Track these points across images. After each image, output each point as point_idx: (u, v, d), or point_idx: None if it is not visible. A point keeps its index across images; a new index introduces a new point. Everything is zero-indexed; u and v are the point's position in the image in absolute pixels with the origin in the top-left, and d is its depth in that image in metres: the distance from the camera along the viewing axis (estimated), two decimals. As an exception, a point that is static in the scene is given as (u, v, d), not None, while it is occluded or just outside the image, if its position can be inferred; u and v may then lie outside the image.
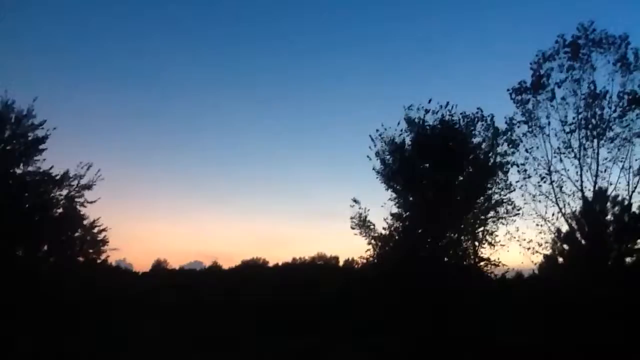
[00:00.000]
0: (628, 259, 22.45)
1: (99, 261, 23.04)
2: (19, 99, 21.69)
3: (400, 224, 23.30)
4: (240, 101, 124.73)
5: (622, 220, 22.07)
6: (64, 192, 22.16)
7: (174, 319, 26.53)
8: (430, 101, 22.93)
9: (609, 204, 22.22)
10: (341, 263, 60.81)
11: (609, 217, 22.36)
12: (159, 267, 65.15)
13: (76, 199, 22.31)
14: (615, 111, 21.85)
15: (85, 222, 22.51)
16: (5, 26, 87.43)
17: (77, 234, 22.54)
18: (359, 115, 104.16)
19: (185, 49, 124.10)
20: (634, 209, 21.87)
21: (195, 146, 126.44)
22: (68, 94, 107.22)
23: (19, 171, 21.66)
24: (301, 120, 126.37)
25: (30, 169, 21.74)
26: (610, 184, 22.00)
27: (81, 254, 22.62)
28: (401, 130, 23.08)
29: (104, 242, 22.80)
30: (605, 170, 21.98)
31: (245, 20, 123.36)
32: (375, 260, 23.51)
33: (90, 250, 22.67)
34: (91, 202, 22.58)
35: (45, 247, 22.14)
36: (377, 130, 23.25)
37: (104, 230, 22.75)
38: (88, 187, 22.35)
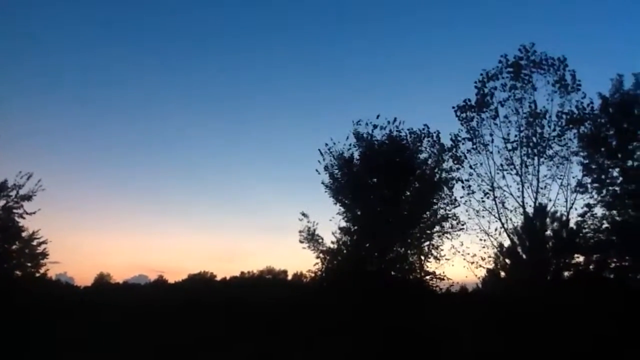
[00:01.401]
0: (566, 273, 23.22)
1: (37, 275, 22.18)
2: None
3: (348, 238, 23.50)
4: (189, 113, 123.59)
5: (560, 235, 22.84)
6: (2, 202, 21.32)
7: (118, 333, 25.73)
8: (378, 117, 23.40)
9: (548, 219, 22.97)
10: (290, 277, 60.71)
11: (548, 232, 23.11)
12: (102, 281, 63.32)
13: (14, 210, 21.48)
14: (554, 130, 22.72)
15: (23, 234, 21.68)
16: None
17: (14, 247, 21.67)
18: (309, 129, 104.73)
19: (136, 55, 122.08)
20: (572, 224, 22.71)
21: (141, 157, 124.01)
22: (8, 101, 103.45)
23: (-48, 181, 20.78)
24: (250, 133, 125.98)
25: (-35, 178, 20.89)
26: (550, 200, 22.81)
27: (18, 268, 21.75)
28: (350, 144, 23.45)
29: (44, 255, 22.03)
30: (545, 187, 22.77)
31: (193, 33, 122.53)
32: (324, 274, 23.56)
33: (29, 264, 21.82)
34: (30, 214, 21.77)
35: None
36: (326, 145, 23.54)
37: (43, 242, 22.05)
38: (27, 197, 21.57)
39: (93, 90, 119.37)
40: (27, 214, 21.65)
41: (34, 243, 21.88)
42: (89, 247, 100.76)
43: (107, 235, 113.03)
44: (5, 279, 21.39)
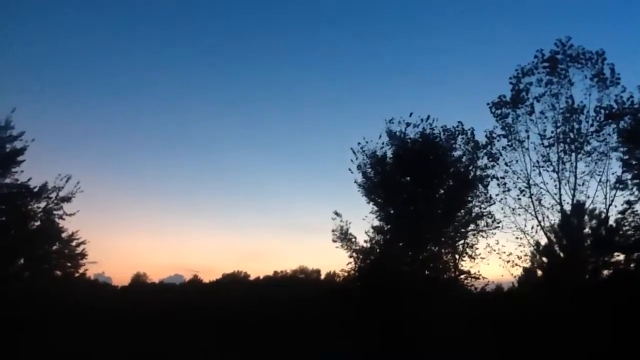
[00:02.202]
0: (605, 272, 22.72)
1: (76, 275, 22.61)
2: (-3, 110, 21.36)
3: (382, 237, 23.40)
4: (221, 115, 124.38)
5: (599, 233, 22.33)
6: (42, 204, 21.71)
7: (152, 332, 26.18)
8: (411, 115, 23.22)
9: (586, 217, 22.49)
10: (323, 276, 60.81)
11: (586, 230, 22.63)
12: (139, 281, 64.39)
13: (54, 212, 21.85)
14: (592, 125, 22.22)
15: (63, 235, 22.04)
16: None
17: (54, 248, 22.10)
18: (341, 128, 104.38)
19: (166, 61, 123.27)
20: (611, 222, 22.17)
21: (177, 160, 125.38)
22: (47, 106, 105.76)
23: (-5, 183, 21.28)
24: (283, 133, 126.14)
25: (7, 181, 21.32)
26: (588, 198, 22.32)
27: (58, 268, 22.20)
28: (382, 143, 23.34)
29: (83, 255, 22.34)
30: (583, 184, 22.30)
31: (227, 36, 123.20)
32: (357, 274, 23.53)
33: (68, 264, 22.24)
34: (70, 215, 22.10)
35: (22, 261, 21.72)
36: (359, 144, 23.46)
37: (82, 243, 22.28)
38: (67, 199, 21.90)
39: (128, 93, 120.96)
40: (66, 215, 21.99)
41: (73, 244, 22.19)
42: (126, 247, 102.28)
43: (144, 235, 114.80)
44: (46, 278, 21.90)
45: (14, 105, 21.63)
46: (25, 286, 21.06)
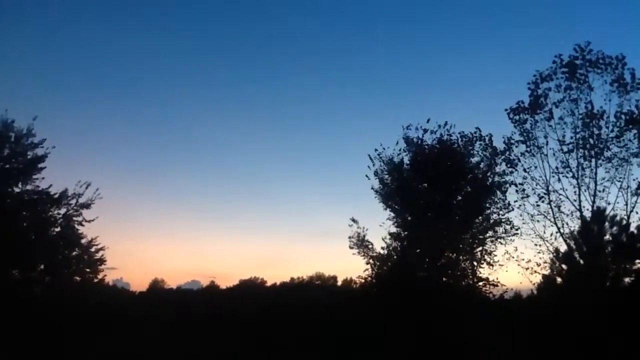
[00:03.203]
0: (626, 279, 22.37)
1: (95, 280, 22.79)
2: (19, 118, 21.67)
3: (399, 244, 23.33)
4: (240, 120, 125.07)
5: (620, 240, 22.00)
6: (62, 210, 21.94)
7: (171, 338, 26.31)
8: (428, 121, 23.19)
9: (607, 223, 22.10)
10: (339, 283, 60.68)
11: (607, 237, 22.28)
12: (156, 287, 64.79)
13: (74, 218, 22.09)
14: (612, 131, 21.99)
15: (82, 241, 22.23)
16: (6, 45, 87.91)
17: (74, 253, 22.30)
18: (358, 134, 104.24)
19: (187, 69, 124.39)
20: (632, 228, 21.82)
21: (193, 165, 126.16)
22: (68, 113, 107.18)
23: (17, 190, 21.56)
24: (300, 139, 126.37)
25: (28, 187, 21.59)
26: (609, 204, 22.08)
27: (78, 274, 22.41)
28: (400, 149, 23.30)
29: (101, 261, 22.51)
30: (603, 190, 22.10)
31: (248, 41, 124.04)
32: (374, 280, 23.46)
33: (87, 270, 22.42)
34: (89, 221, 22.33)
35: (42, 267, 21.96)
36: (376, 150, 23.45)
37: (101, 249, 22.45)
38: (86, 205, 22.13)
39: (147, 100, 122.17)
40: (86, 221, 22.23)
41: (93, 249, 22.36)
42: (144, 253, 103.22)
43: (162, 241, 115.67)
44: (66, 284, 22.11)
45: (34, 113, 21.95)
46: (54, 290, 21.30)
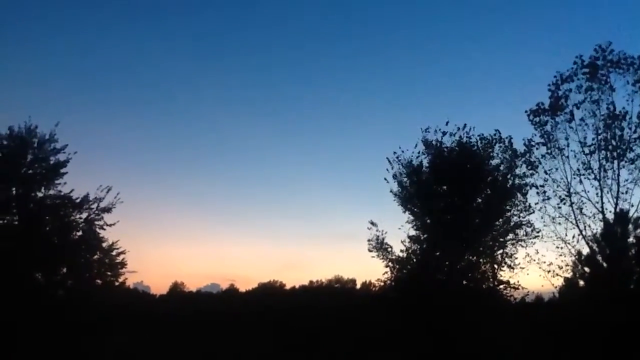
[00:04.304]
0: (651, 282, 22.07)
1: (116, 284, 23.07)
2: (42, 124, 22.10)
3: (418, 247, 23.17)
4: (259, 125, 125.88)
5: (643, 242, 21.73)
6: (84, 215, 22.38)
7: (190, 340, 26.49)
8: (447, 123, 22.97)
9: (630, 226, 21.90)
10: (358, 286, 60.53)
11: (630, 239, 22.04)
12: (177, 290, 65.17)
13: (95, 222, 22.50)
14: (635, 132, 21.61)
15: (104, 245, 22.60)
16: (28, 53, 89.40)
17: (95, 257, 22.65)
18: (377, 137, 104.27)
19: (207, 75, 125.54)
20: (656, 231, 21.53)
21: (214, 170, 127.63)
22: (90, 118, 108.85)
23: (39, 195, 21.97)
24: (319, 142, 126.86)
25: (51, 192, 22.10)
26: (632, 206, 21.71)
27: (99, 277, 22.70)
28: (418, 152, 23.09)
29: (122, 264, 22.86)
30: (626, 192, 21.70)
31: (262, 47, 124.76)
32: (393, 283, 23.36)
33: (109, 273, 22.73)
34: (110, 225, 22.74)
35: (64, 270, 22.29)
36: (395, 153, 23.25)
37: (122, 253, 22.84)
38: (107, 210, 22.52)
39: (167, 105, 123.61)
40: (107, 225, 22.62)
41: (114, 253, 22.71)
42: (164, 256, 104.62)
43: (182, 245, 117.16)
44: (88, 287, 22.41)
45: (56, 119, 22.32)
46: (76, 292, 21.60)
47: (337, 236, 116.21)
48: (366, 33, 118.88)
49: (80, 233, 22.44)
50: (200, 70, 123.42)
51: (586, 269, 22.69)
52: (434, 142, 22.90)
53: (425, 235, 23.12)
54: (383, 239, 23.31)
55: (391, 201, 23.45)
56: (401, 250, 23.13)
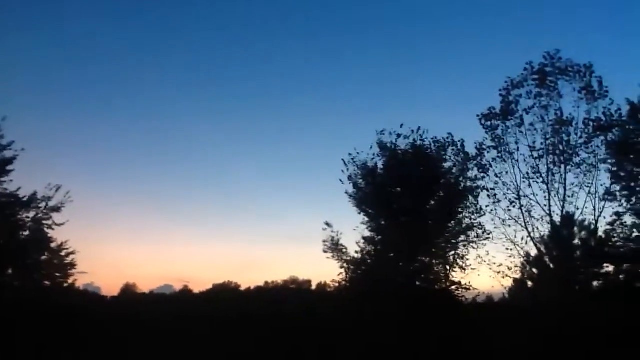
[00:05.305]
0: (595, 283, 22.82)
1: (65, 285, 22.45)
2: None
3: (373, 248, 23.40)
4: (212, 124, 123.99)
5: (588, 244, 22.46)
6: (32, 214, 21.62)
7: (143, 342, 25.94)
8: (402, 126, 23.30)
9: (576, 228, 22.63)
10: (314, 287, 60.55)
11: (576, 241, 22.76)
12: (128, 291, 63.88)
13: (44, 222, 21.77)
14: (581, 137, 22.50)
15: (52, 245, 21.91)
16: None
17: (44, 257, 21.98)
18: (332, 138, 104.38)
19: (160, 72, 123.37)
20: (600, 233, 22.30)
21: (165, 168, 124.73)
22: (37, 115, 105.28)
23: (-17, 193, 21.20)
24: (273, 142, 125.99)
25: (-5, 190, 21.28)
26: (578, 209, 22.49)
27: (48, 278, 22.06)
28: (373, 154, 23.35)
29: (72, 265, 22.22)
30: (572, 195, 22.52)
31: (220, 41, 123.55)
32: (348, 284, 23.50)
33: (58, 274, 22.10)
34: (59, 225, 22.04)
35: (10, 271, 21.59)
36: (350, 154, 23.48)
37: (72, 253, 22.14)
38: (56, 209, 21.81)
39: (119, 103, 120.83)
40: (56, 225, 21.93)
41: (63, 254, 22.03)
42: (115, 257, 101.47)
43: (133, 245, 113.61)
44: (35, 288, 21.76)
45: (3, 114, 21.55)
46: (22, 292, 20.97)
47: (292, 237, 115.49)
48: (321, 32, 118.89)
49: (27, 233, 21.74)
50: (152, 66, 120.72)
51: (534, 269, 23.33)
52: (388, 145, 23.21)
53: (379, 237, 23.36)
54: (338, 240, 23.49)
55: (346, 202, 23.66)
56: (356, 251, 23.38)
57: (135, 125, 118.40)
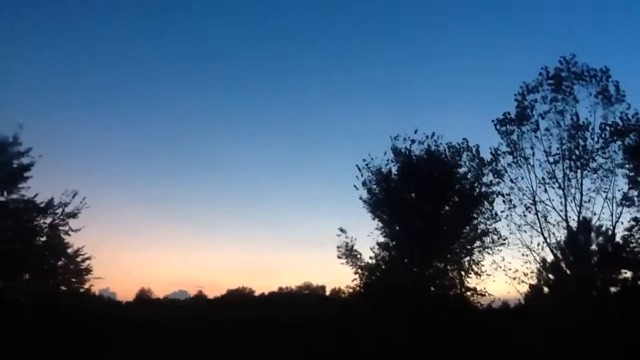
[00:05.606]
0: (612, 289, 22.57)
1: (81, 290, 22.55)
2: (5, 126, 21.50)
3: (387, 254, 23.33)
4: (227, 131, 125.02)
5: (606, 250, 22.23)
6: (48, 220, 21.67)
7: (158, 348, 26.06)
8: (416, 131, 23.32)
9: (593, 234, 22.43)
10: (328, 292, 60.62)
11: (593, 247, 22.55)
12: (143, 297, 64.30)
13: (60, 227, 21.79)
14: (597, 142, 22.30)
15: (69, 251, 21.95)
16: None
17: (60, 263, 22.06)
18: (347, 144, 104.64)
19: (178, 79, 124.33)
20: (618, 238, 22.10)
21: (181, 175, 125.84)
22: (55, 122, 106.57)
23: (2, 199, 21.32)
24: (288, 149, 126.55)
25: (14, 197, 21.34)
26: (594, 214, 22.29)
27: (64, 283, 22.17)
28: (388, 160, 23.36)
29: (88, 270, 22.25)
30: (589, 201, 22.30)
31: (232, 59, 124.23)
32: (362, 290, 23.44)
33: (73, 279, 22.19)
34: (75, 231, 22.06)
35: (27, 276, 21.72)
36: (364, 160, 23.50)
37: (87, 259, 22.13)
38: (73, 215, 21.85)
39: (136, 111, 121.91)
40: (72, 231, 21.99)
41: (79, 259, 22.06)
42: (130, 263, 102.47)
43: (149, 251, 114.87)
44: (51, 294, 21.87)
45: (20, 120, 21.73)
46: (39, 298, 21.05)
47: (306, 243, 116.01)
48: (336, 37, 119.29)
49: (44, 238, 21.85)
50: (170, 73, 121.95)
51: (551, 275, 23.12)
52: (403, 150, 23.22)
53: (394, 242, 23.29)
54: (352, 245, 23.47)
55: (361, 208, 23.63)
56: (370, 257, 23.35)
57: (152, 132, 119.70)
